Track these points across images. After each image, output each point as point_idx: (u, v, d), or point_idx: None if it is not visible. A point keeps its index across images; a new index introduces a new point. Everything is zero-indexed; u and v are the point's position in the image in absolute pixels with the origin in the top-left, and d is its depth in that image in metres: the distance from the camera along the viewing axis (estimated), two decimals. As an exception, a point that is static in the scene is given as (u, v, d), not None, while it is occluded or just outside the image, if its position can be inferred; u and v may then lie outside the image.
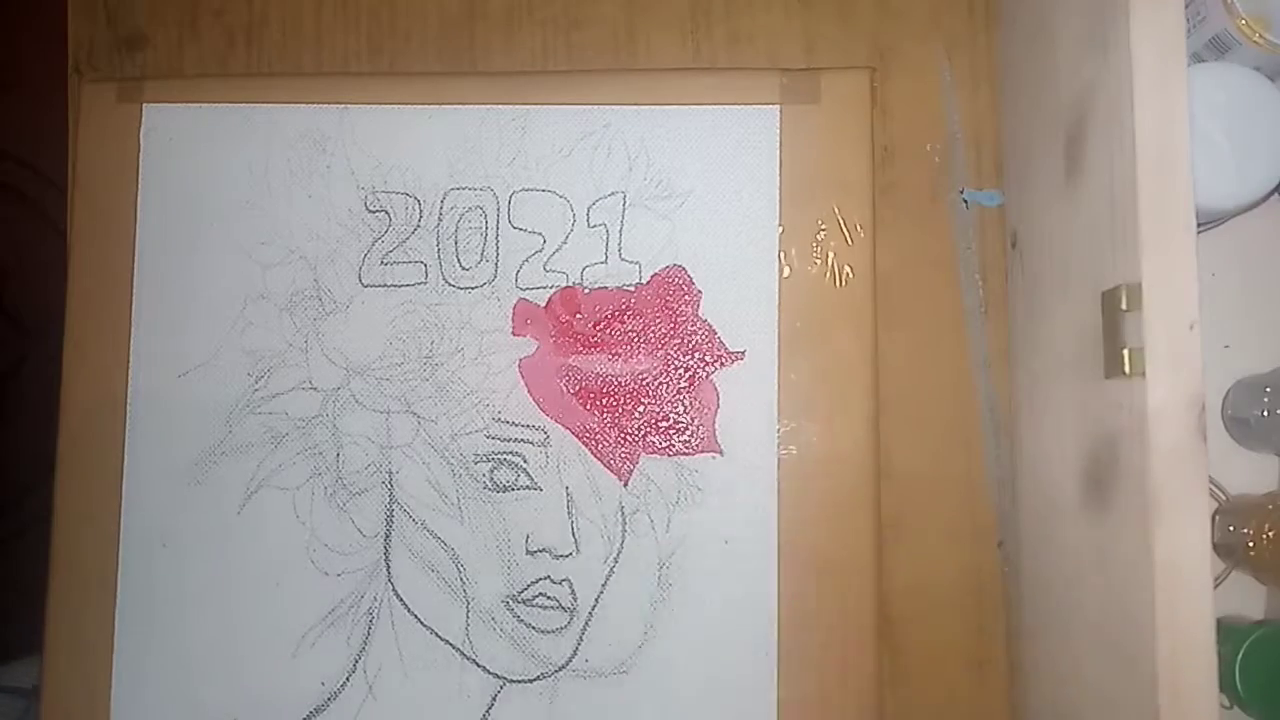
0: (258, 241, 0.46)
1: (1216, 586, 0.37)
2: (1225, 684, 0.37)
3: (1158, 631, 0.29)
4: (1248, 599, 0.42)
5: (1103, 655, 0.34)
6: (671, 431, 0.44)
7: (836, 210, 0.44)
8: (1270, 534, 0.39)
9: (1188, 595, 0.29)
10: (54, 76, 0.51)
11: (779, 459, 0.43)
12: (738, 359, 0.44)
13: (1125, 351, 0.31)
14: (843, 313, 0.44)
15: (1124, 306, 0.31)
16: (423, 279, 0.45)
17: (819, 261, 0.44)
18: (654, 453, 0.44)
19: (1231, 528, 0.40)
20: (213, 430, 0.46)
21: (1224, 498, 0.42)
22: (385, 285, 0.46)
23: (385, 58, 0.48)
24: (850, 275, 0.44)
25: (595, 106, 0.45)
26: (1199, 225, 0.30)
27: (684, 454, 0.44)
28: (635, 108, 0.45)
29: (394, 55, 0.48)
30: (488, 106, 0.45)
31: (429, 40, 0.48)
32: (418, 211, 0.46)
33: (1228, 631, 0.38)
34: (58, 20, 0.50)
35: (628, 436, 0.44)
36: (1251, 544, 0.40)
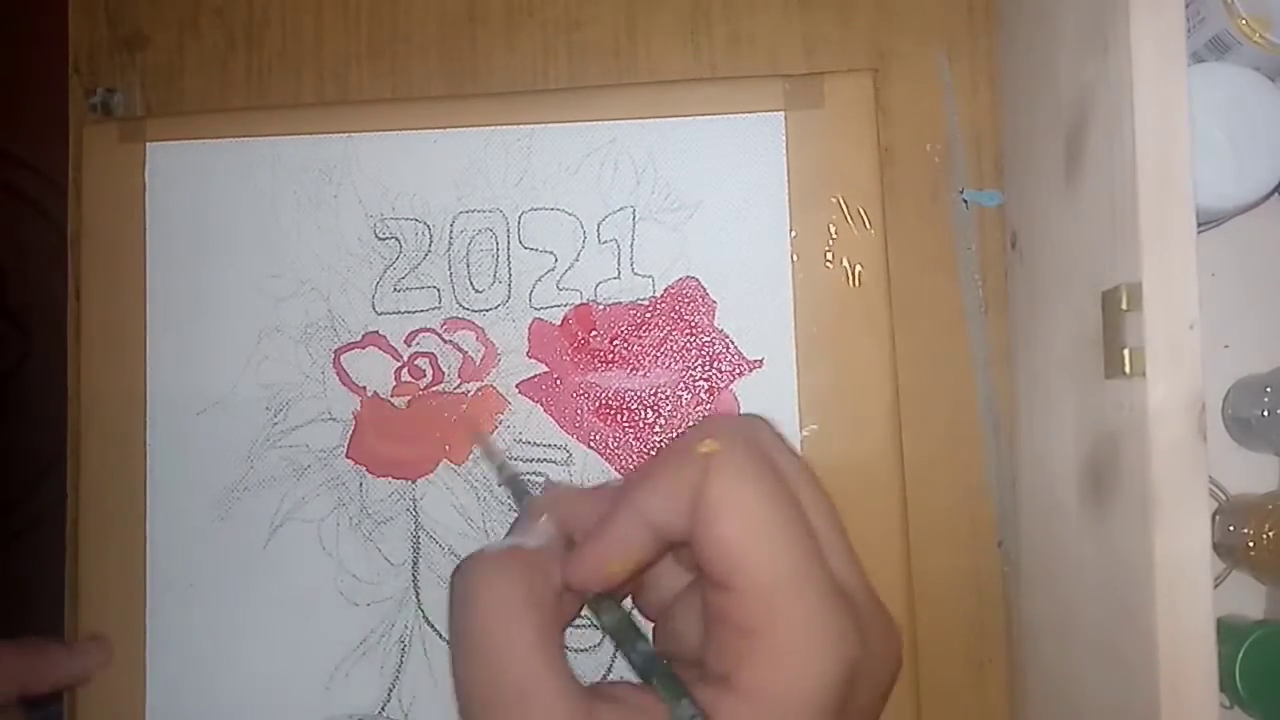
0: (269, 275, 0.46)
1: (1217, 586, 0.37)
2: (1225, 684, 0.37)
3: (1158, 631, 0.29)
4: (1248, 599, 0.42)
5: (1103, 655, 0.34)
6: None
7: (846, 212, 0.44)
8: (1270, 534, 0.39)
9: (1188, 595, 0.29)
10: (56, 76, 0.51)
11: None
12: (756, 367, 0.44)
13: (1125, 351, 0.31)
14: (859, 314, 0.44)
15: (1124, 306, 0.31)
16: (436, 304, 0.45)
17: (832, 264, 0.44)
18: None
19: (1232, 527, 0.40)
20: (234, 466, 0.46)
21: (1224, 497, 0.42)
22: (399, 312, 0.46)
23: (386, 58, 0.49)
24: (864, 276, 0.44)
25: (600, 122, 0.45)
26: (1199, 225, 0.30)
27: None
28: (640, 121, 0.45)
29: (394, 55, 0.49)
30: (492, 128, 0.46)
31: (429, 40, 0.48)
32: (428, 237, 0.46)
33: (1228, 631, 0.38)
34: (58, 20, 0.50)
35: (650, 451, 0.44)
36: (1252, 544, 0.40)
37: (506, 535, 0.36)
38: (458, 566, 0.34)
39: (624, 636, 0.34)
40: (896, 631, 0.35)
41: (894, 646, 0.34)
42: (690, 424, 0.44)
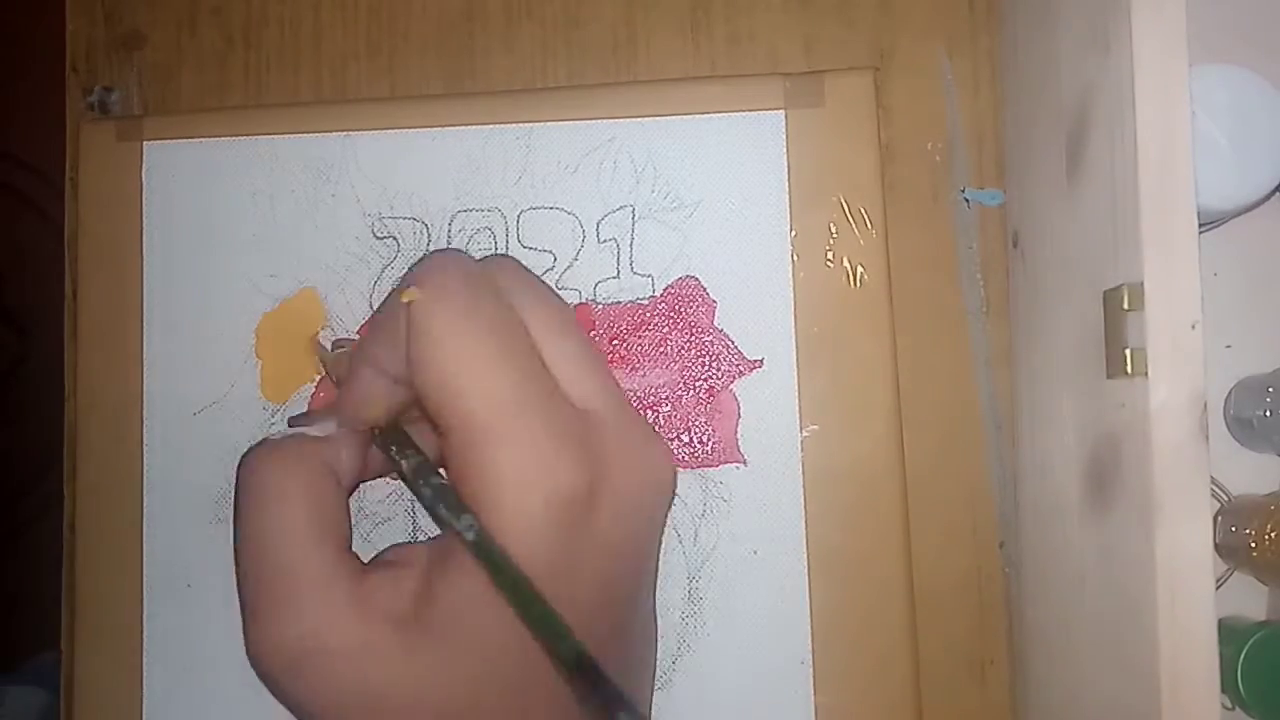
0: (266, 274, 0.46)
1: (1219, 587, 0.37)
2: (1227, 685, 0.37)
3: (1159, 632, 0.29)
4: (1250, 600, 0.42)
5: (1104, 656, 0.34)
6: (694, 443, 0.44)
7: (847, 211, 0.44)
8: (1273, 534, 0.39)
9: (1189, 596, 0.29)
10: (54, 76, 0.50)
11: (803, 465, 0.43)
12: (756, 367, 0.44)
13: (1127, 351, 0.31)
14: (860, 314, 0.43)
15: (1126, 306, 0.31)
16: None
17: (833, 264, 0.44)
18: (677, 466, 0.43)
19: (1234, 528, 0.40)
20: (232, 467, 0.45)
21: (1226, 498, 0.42)
22: None
23: (384, 57, 0.48)
24: (865, 276, 0.43)
25: (599, 121, 0.45)
26: (1200, 225, 0.30)
27: (707, 465, 0.43)
28: (639, 120, 0.45)
29: (392, 54, 0.48)
30: (491, 126, 0.45)
31: (428, 39, 0.48)
32: (426, 236, 0.45)
33: (1230, 632, 0.38)
34: (55, 18, 0.50)
35: None
36: (1254, 544, 0.39)
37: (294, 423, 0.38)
38: (243, 455, 0.36)
39: (420, 474, 0.35)
40: (661, 451, 0.36)
41: (652, 464, 0.35)
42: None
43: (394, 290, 0.34)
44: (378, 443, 0.37)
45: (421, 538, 0.44)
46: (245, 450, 0.36)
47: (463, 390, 0.31)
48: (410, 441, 0.37)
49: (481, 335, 0.32)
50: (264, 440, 0.36)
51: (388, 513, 0.45)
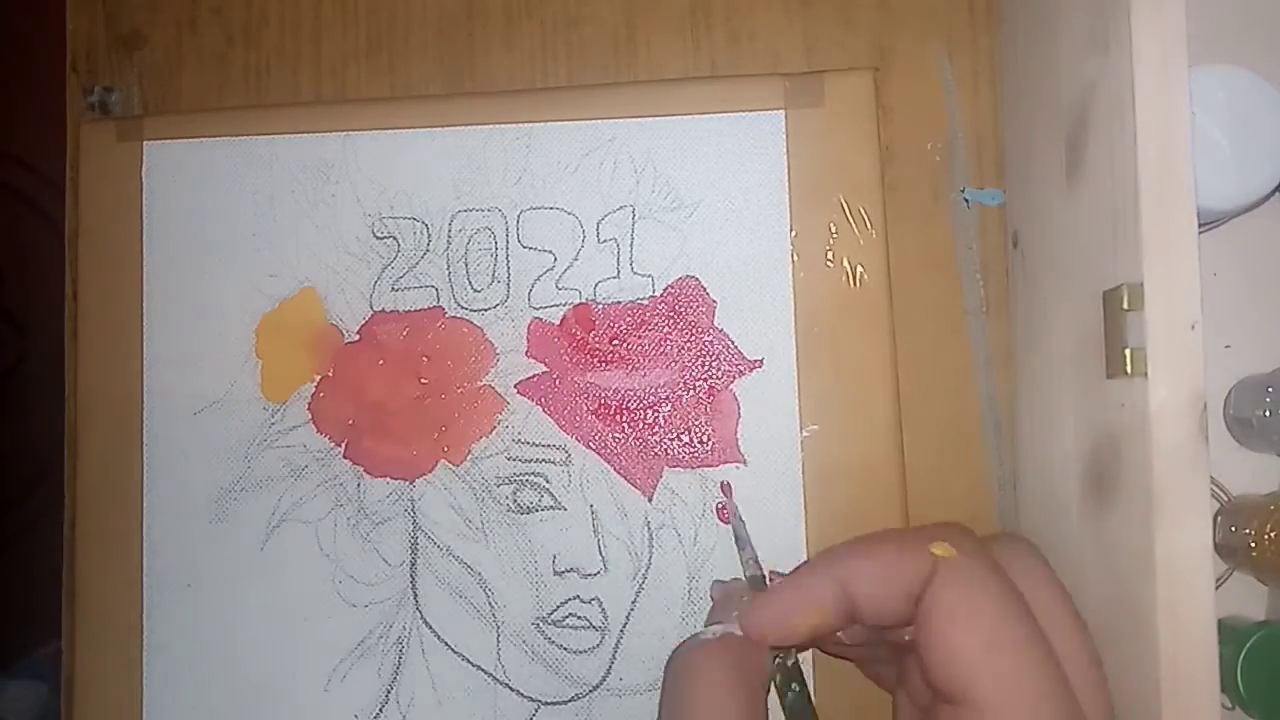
0: (266, 274, 0.46)
1: (1218, 587, 0.37)
2: (1227, 685, 0.37)
3: (1159, 632, 0.29)
4: (1249, 600, 0.42)
5: (1104, 656, 0.34)
6: (694, 443, 0.44)
7: (847, 211, 0.44)
8: (1272, 534, 0.39)
9: (1189, 596, 0.29)
10: (54, 76, 0.51)
11: (803, 465, 0.43)
12: (756, 367, 0.44)
13: (1127, 351, 0.31)
14: (860, 314, 0.43)
15: (1125, 306, 0.31)
16: (434, 303, 0.45)
17: (832, 264, 0.44)
18: (677, 466, 0.44)
19: (1233, 528, 0.40)
20: (231, 467, 0.45)
21: (1226, 498, 0.42)
22: (397, 311, 0.45)
23: (384, 56, 0.48)
24: (865, 276, 0.43)
25: (599, 121, 0.45)
26: (1200, 225, 0.30)
27: (708, 465, 0.43)
28: (639, 120, 0.45)
29: (392, 53, 0.48)
30: (491, 126, 0.45)
31: (428, 39, 0.48)
32: (426, 236, 0.45)
33: (1229, 632, 0.38)
34: (56, 19, 0.50)
35: (650, 451, 0.44)
36: (1253, 544, 0.39)
37: (713, 622, 0.37)
38: (674, 651, 0.35)
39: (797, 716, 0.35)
40: None
41: None
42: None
43: (906, 531, 0.34)
44: (771, 663, 0.35)
45: (421, 539, 0.45)
46: (677, 647, 0.35)
47: (999, 666, 0.30)
48: (801, 676, 0.36)
49: (1019, 615, 0.31)
50: (696, 636, 0.35)
51: (388, 513, 0.45)
